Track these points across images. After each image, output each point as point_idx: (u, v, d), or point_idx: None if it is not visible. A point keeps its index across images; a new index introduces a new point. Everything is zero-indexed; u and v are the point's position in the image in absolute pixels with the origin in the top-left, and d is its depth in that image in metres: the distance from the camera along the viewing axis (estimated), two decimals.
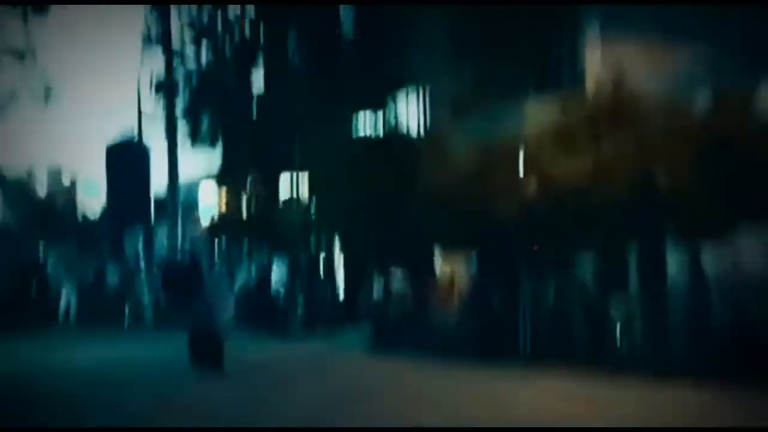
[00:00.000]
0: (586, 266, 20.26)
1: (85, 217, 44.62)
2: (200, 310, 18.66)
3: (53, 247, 37.07)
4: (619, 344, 18.81)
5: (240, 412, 14.13)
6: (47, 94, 34.19)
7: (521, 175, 19.47)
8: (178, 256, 23.99)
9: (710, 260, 18.44)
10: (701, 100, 17.76)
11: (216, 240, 33.53)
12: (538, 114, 19.60)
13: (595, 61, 21.02)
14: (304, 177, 30.13)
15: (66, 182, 46.61)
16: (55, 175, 46.59)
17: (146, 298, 30.99)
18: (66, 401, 15.58)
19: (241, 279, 30.47)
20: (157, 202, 37.83)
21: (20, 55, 33.65)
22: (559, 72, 22.63)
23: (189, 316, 18.98)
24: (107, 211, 39.67)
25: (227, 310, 19.47)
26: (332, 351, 24.08)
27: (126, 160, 37.52)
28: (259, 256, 31.14)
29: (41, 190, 46.37)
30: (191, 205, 38.02)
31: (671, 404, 14.07)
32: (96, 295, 33.59)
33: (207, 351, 18.27)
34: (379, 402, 14.83)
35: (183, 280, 19.64)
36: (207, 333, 18.42)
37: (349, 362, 21.64)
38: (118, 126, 40.09)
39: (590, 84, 20.50)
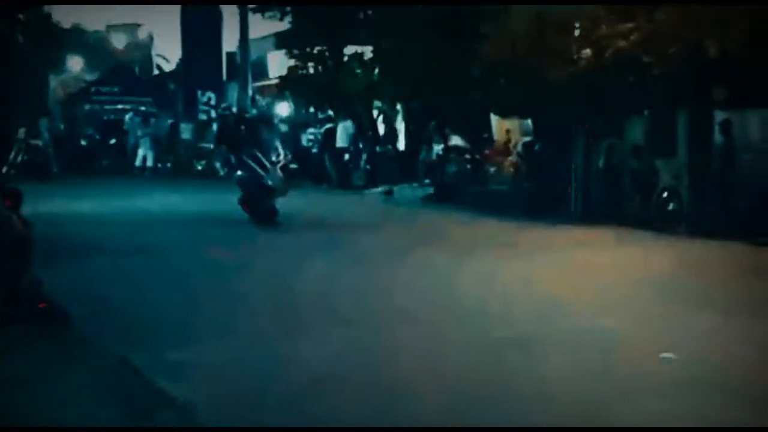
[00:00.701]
0: (636, 131, 20.66)
1: (160, 73, 44.84)
2: (253, 170, 18.30)
3: (130, 101, 37.58)
4: (666, 205, 19.25)
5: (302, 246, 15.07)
6: None
7: (576, 43, 19.67)
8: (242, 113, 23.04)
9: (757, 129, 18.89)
10: None
11: (280, 102, 33.97)
12: None
13: None
14: (368, 49, 30.39)
15: (143, 37, 46.78)
16: (132, 31, 46.82)
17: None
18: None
19: (305, 140, 31.04)
20: (228, 63, 38.13)
21: None
22: None
23: (244, 173, 18.53)
24: (182, 69, 39.93)
25: (279, 171, 18.75)
26: (392, 203, 24.90)
27: (200, 19, 37.62)
28: (324, 119, 31.58)
29: (119, 45, 46.61)
30: (260, 69, 38.29)
31: (706, 258, 14.86)
32: (168, 148, 34.38)
33: (259, 210, 18.16)
34: (437, 246, 15.51)
35: (239, 138, 19.02)
36: (258, 194, 18.18)
37: (409, 212, 22.34)
38: None
39: None
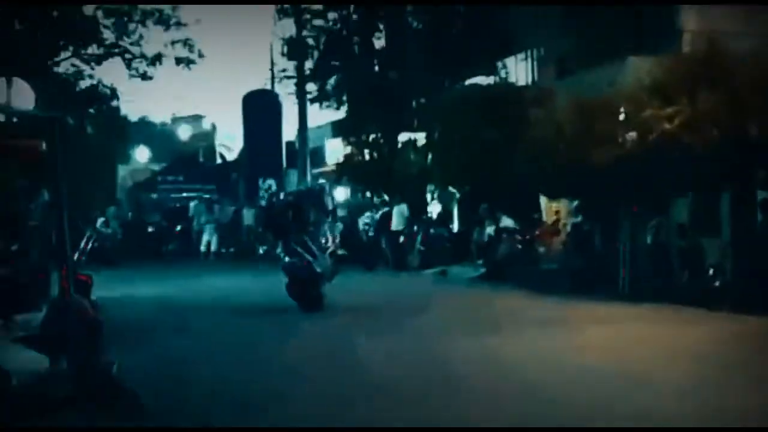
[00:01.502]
0: (682, 210, 20.66)
1: (223, 161, 45.45)
2: (301, 256, 17.77)
3: (195, 188, 38.15)
4: (712, 282, 19.14)
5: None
6: (189, 59, 35.21)
7: (621, 126, 19.81)
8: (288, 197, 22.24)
9: None
10: None
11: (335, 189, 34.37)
12: (637, 72, 19.96)
13: (691, 22, 21.35)
14: (421, 136, 30.81)
15: (206, 127, 47.55)
16: (196, 122, 47.63)
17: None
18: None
19: (361, 224, 31.29)
20: (288, 151, 38.68)
21: (166, 24, 34.69)
22: (657, 33, 22.98)
23: (292, 260, 17.93)
24: (243, 157, 40.50)
25: (328, 257, 18.33)
26: (446, 282, 24.92)
27: (260, 108, 38.28)
28: (379, 205, 31.90)
29: (184, 136, 47.37)
30: (318, 156, 38.80)
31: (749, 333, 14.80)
32: (232, 234, 34.77)
33: (306, 296, 17.60)
34: (487, 321, 15.63)
35: (286, 223, 18.52)
36: (305, 280, 17.63)
37: (462, 292, 22.33)
38: (253, 84, 41.10)
39: (686, 43, 20.83)
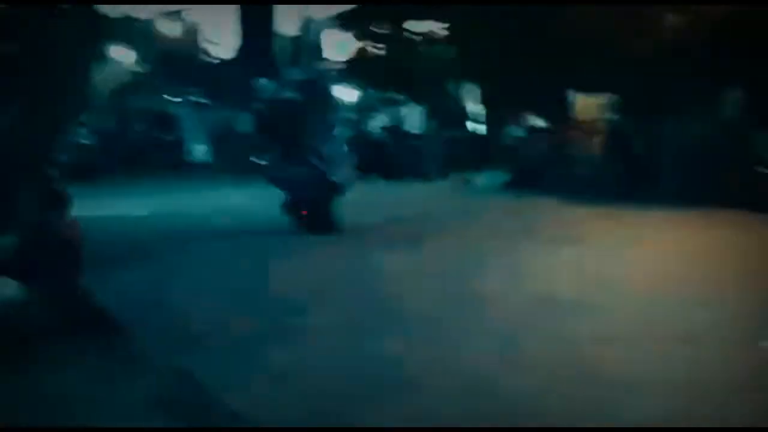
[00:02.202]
0: (731, 102, 20.45)
1: (211, 58, 45.17)
2: (314, 166, 16.40)
3: (182, 92, 37.91)
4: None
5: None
6: None
7: (665, 9, 19.56)
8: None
9: None
10: None
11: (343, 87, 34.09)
12: None
13: None
14: (438, 26, 30.42)
15: (193, 23, 47.22)
16: (183, 17, 47.27)
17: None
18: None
19: (371, 127, 31.11)
20: (283, 46, 38.32)
21: None
22: None
23: (299, 170, 16.51)
24: (235, 55, 40.18)
25: (345, 164, 16.98)
26: (470, 193, 24.82)
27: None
28: (395, 104, 31.71)
29: (170, 33, 47.07)
30: (318, 50, 38.47)
31: None
32: (225, 142, 34.64)
33: (320, 214, 16.38)
34: (519, 236, 15.58)
35: (286, 125, 16.83)
36: (321, 195, 16.35)
37: (488, 203, 22.11)
38: None
39: None
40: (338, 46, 37.10)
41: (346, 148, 17.67)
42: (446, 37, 29.42)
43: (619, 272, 12.39)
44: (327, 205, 16.49)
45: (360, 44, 32.75)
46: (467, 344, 8.89)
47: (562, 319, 9.75)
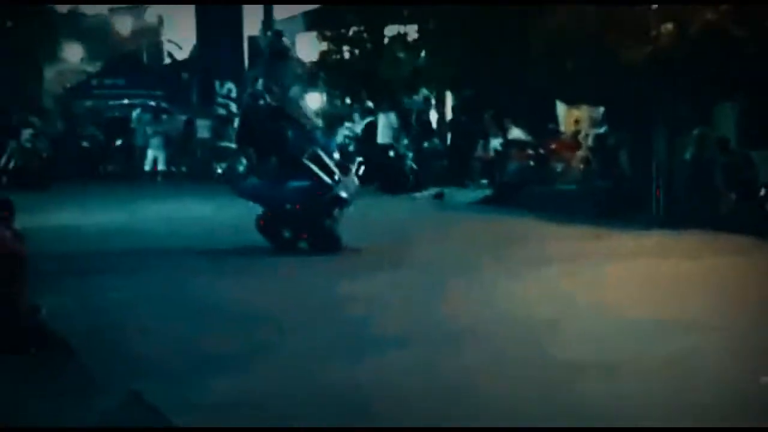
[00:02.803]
0: (727, 119, 20.59)
1: (172, 61, 44.98)
2: (318, 177, 15.88)
3: (138, 94, 37.68)
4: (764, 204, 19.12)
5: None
6: None
7: (656, 16, 19.66)
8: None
9: None
10: None
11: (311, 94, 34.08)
12: None
13: None
14: (412, 29, 30.45)
15: (151, 21, 46.91)
16: (138, 14, 46.98)
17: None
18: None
19: (340, 137, 31.07)
20: (250, 49, 38.22)
21: None
22: None
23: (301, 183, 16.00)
24: (196, 56, 40.06)
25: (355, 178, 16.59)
26: (444, 208, 24.89)
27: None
28: (364, 111, 31.72)
29: (124, 30, 46.76)
30: (285, 53, 38.36)
31: None
32: (184, 149, 34.54)
33: (321, 233, 15.95)
34: (493, 256, 15.61)
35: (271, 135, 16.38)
36: (323, 210, 15.89)
37: (465, 219, 22.13)
38: None
39: None
40: (306, 49, 37.16)
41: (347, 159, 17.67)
42: (421, 42, 29.49)
43: (599, 294, 12.52)
44: (331, 222, 16.18)
45: (327, 46, 32.75)
46: (444, 367, 9.01)
47: (536, 342, 9.87)
